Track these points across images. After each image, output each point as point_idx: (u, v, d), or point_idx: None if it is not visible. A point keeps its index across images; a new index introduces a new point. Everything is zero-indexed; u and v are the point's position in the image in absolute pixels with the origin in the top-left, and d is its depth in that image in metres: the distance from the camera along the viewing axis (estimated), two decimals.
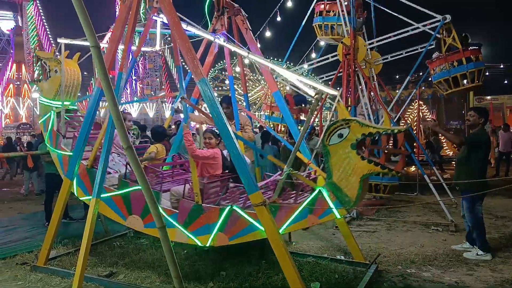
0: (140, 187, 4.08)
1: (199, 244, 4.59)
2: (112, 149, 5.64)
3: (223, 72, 37.37)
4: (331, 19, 9.36)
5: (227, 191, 4.87)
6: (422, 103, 17.47)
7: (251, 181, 3.89)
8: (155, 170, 5.28)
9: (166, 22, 5.74)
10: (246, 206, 4.45)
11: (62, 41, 5.92)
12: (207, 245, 4.53)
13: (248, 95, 8.78)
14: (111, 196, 5.12)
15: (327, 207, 3.94)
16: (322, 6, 9.59)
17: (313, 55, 11.60)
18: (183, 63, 4.95)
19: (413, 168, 14.87)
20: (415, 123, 18.21)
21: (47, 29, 50.03)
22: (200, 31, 4.94)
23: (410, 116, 22.38)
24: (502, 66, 36.66)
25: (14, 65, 47.27)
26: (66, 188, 5.30)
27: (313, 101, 4.00)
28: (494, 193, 9.40)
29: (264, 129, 8.64)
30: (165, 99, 52.69)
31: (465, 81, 8.06)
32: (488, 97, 27.22)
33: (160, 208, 4.44)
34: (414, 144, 11.80)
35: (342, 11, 8.91)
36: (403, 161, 3.95)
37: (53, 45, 50.44)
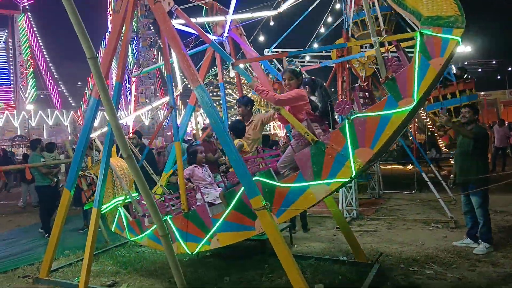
0: (259, 179, 3.98)
1: (345, 180, 3.74)
2: (199, 185, 5.10)
3: (217, 78, 37.39)
4: (362, 14, 9.26)
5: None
6: None
7: (252, 185, 3.89)
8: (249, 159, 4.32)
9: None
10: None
11: (95, 135, 5.86)
12: (354, 174, 3.68)
13: None
14: (225, 218, 4.29)
15: (441, 40, 3.40)
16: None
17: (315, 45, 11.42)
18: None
19: (410, 166, 14.93)
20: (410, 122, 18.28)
21: (39, 40, 49.97)
22: (205, 36, 4.92)
23: None
24: (494, 62, 36.97)
25: None
26: (66, 200, 5.29)
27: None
28: (493, 188, 9.44)
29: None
30: (160, 107, 52.65)
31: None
32: (482, 93, 27.40)
33: (280, 183, 3.95)
34: (412, 144, 11.87)
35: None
36: None
37: (47, 58, 50.35)
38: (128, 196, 5.49)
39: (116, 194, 5.68)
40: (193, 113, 6.73)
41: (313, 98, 4.43)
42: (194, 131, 11.34)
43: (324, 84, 4.50)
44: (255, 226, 4.08)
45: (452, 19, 3.38)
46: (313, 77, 4.59)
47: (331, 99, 4.30)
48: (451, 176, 6.63)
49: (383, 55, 3.68)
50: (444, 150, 18.05)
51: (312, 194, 3.79)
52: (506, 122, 18.29)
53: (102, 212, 5.64)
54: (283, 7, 5.49)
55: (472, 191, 5.82)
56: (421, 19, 3.51)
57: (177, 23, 5.09)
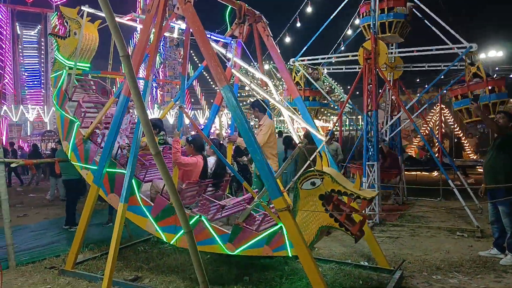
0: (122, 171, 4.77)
1: (165, 239, 5.18)
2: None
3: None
4: (380, 17, 9.16)
5: (202, 199, 5.23)
6: (444, 106, 17.18)
7: (275, 186, 3.91)
8: (141, 160, 5.56)
9: (183, 28, 5.89)
10: (213, 219, 4.90)
11: (86, 9, 6.20)
12: (171, 243, 5.11)
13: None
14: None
15: (283, 243, 4.27)
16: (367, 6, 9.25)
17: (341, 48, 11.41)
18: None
19: (435, 173, 14.63)
20: (437, 126, 17.92)
21: None
22: (214, 36, 5.04)
23: (432, 119, 22.02)
24: None
25: None
26: (93, 194, 5.43)
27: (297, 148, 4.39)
28: None
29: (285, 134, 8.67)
30: (184, 105, 53.28)
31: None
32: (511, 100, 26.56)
33: (138, 196, 5.23)
34: (437, 148, 11.63)
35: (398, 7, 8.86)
36: (362, 223, 4.17)
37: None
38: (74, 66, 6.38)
39: (72, 57, 6.54)
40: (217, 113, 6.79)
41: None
42: (218, 131, 11.44)
43: (222, 145, 5.76)
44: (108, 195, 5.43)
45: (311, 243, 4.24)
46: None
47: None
48: (482, 185, 6.45)
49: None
50: (471, 157, 17.63)
51: (145, 222, 5.31)
52: None
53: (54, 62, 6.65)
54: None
55: (499, 200, 5.66)
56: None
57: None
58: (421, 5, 8.86)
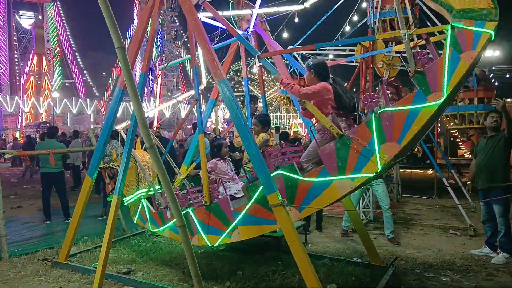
0: (274, 174, 3.98)
1: (370, 175, 3.64)
2: (218, 180, 5.07)
3: (239, 74, 37.59)
4: (388, 13, 9.01)
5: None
6: None
7: (270, 182, 3.90)
8: (273, 152, 4.43)
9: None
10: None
11: (120, 127, 6.15)
12: (379, 169, 3.60)
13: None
14: (247, 211, 4.26)
15: (473, 33, 3.33)
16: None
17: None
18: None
19: (430, 171, 14.70)
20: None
21: (67, 30, 50.98)
22: (232, 29, 4.91)
23: None
24: None
25: (35, 57, 47.64)
26: (87, 186, 5.41)
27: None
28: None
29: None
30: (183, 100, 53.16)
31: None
32: (508, 100, 26.64)
33: (303, 177, 3.92)
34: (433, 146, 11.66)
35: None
36: None
37: (73, 47, 51.28)
38: (151, 188, 5.54)
39: (140, 186, 5.74)
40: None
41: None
42: (214, 126, 11.38)
43: (342, 82, 4.47)
44: (277, 220, 3.95)
45: (485, 11, 3.27)
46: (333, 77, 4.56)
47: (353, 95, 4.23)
48: (468, 183, 6.51)
49: (412, 49, 3.58)
50: (466, 156, 17.70)
51: (335, 189, 3.73)
52: None
53: (125, 204, 5.76)
54: (310, 1, 5.50)
55: (494, 198, 5.69)
56: (452, 12, 3.42)
57: (204, 16, 5.13)
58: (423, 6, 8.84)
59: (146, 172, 5.53)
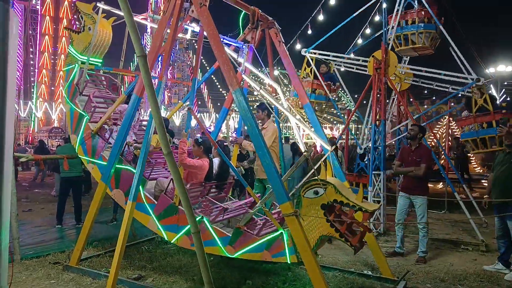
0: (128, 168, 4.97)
1: (166, 238, 5.21)
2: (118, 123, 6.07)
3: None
4: (411, 28, 9.12)
5: (205, 201, 5.23)
6: (451, 119, 17.14)
7: (282, 191, 3.93)
8: (148, 159, 5.61)
9: (197, 31, 5.94)
10: (215, 221, 4.92)
11: (101, 5, 6.30)
12: (172, 241, 5.12)
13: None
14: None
15: (282, 250, 4.29)
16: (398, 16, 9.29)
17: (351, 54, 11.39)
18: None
19: (440, 185, 14.57)
20: (443, 139, 17.86)
21: None
22: (227, 40, 5.07)
23: (439, 131, 21.96)
24: None
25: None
26: (100, 191, 5.46)
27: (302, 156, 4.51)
28: None
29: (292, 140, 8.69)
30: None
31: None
32: None
33: (143, 193, 5.22)
34: (443, 160, 11.59)
35: (428, 18, 8.87)
36: (362, 235, 4.16)
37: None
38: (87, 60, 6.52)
39: (85, 52, 6.57)
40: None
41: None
42: (222, 134, 11.40)
43: (226, 147, 5.67)
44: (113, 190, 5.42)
45: (314, 247, 4.20)
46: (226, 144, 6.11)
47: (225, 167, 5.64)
48: (485, 196, 6.44)
49: None
50: (477, 171, 17.55)
51: (147, 220, 5.30)
52: None
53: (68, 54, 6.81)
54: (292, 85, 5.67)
55: (508, 214, 5.62)
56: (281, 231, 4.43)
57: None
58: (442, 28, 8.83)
59: (91, 49, 6.48)
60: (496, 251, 6.49)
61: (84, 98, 6.52)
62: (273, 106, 6.27)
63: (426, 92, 32.37)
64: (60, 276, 5.44)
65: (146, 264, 5.95)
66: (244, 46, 5.78)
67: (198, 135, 10.49)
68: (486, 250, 6.98)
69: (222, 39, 4.83)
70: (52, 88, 48.06)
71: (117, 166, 5.50)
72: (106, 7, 6.29)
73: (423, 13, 9.12)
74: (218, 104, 52.05)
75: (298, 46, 10.32)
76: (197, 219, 4.78)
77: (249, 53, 5.86)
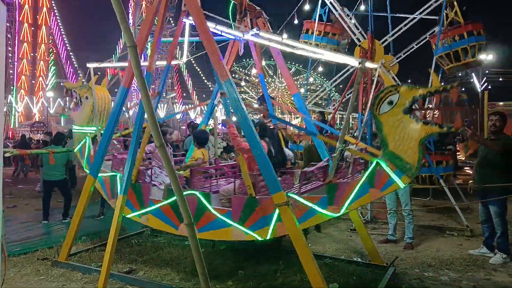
0: (191, 192, 4.63)
1: (259, 238, 4.33)
2: (153, 163, 5.66)
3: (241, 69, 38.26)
4: (460, 43, 8.65)
5: (284, 176, 4.65)
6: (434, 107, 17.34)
7: (275, 181, 3.94)
8: (202, 172, 5.22)
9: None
10: (301, 192, 4.30)
11: (91, 65, 5.98)
12: (268, 237, 4.27)
13: None
14: (159, 207, 4.95)
15: (388, 178, 3.71)
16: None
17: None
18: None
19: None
20: None
21: (62, 30, 50.63)
22: (231, 30, 4.92)
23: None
24: None
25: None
26: (89, 185, 5.40)
27: (358, 72, 4.14)
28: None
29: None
30: (175, 100, 53.03)
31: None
32: (501, 103, 26.96)
33: (211, 208, 4.57)
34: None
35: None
36: (460, 118, 3.83)
37: (68, 47, 50.87)
38: (96, 130, 6.02)
39: (90, 123, 6.25)
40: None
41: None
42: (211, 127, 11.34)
43: (274, 131, 5.26)
44: (179, 228, 4.76)
45: (408, 166, 3.61)
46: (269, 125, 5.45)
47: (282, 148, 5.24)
48: (470, 182, 6.58)
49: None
50: (460, 158, 17.87)
51: (230, 232, 4.45)
52: None
53: (73, 131, 6.57)
54: (298, 50, 5.38)
55: (491, 199, 5.76)
56: (385, 150, 3.77)
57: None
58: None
59: (96, 116, 6.04)
60: (480, 235, 6.66)
61: (108, 163, 5.89)
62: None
63: (409, 81, 32.76)
64: (50, 272, 5.38)
65: (137, 257, 5.92)
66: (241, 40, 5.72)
67: (183, 127, 10.43)
68: (471, 235, 7.15)
69: (220, 32, 4.78)
70: (33, 82, 47.06)
71: (173, 199, 4.77)
72: (95, 65, 6.01)
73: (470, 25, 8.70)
74: (204, 95, 51.75)
75: (285, 36, 10.28)
76: (287, 194, 4.15)
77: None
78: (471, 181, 6.54)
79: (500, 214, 5.80)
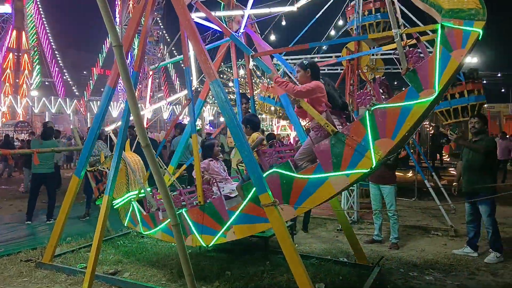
0: (269, 172, 4.00)
1: (365, 171, 3.66)
2: (212, 180, 5.05)
3: (221, 75, 37.79)
4: (368, 19, 9.25)
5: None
6: None
7: (261, 181, 3.94)
8: (268, 151, 4.45)
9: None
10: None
11: (110, 129, 5.93)
12: (374, 165, 3.62)
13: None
14: (242, 210, 4.24)
15: (462, 32, 3.39)
16: None
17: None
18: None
19: (410, 174, 15.00)
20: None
21: (47, 28, 49.91)
22: (225, 29, 4.90)
23: None
24: (499, 75, 37.02)
25: (14, 32, 44.54)
26: (74, 186, 5.33)
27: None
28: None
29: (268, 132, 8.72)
30: (164, 99, 52.70)
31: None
32: (485, 105, 27.43)
33: (297, 175, 3.91)
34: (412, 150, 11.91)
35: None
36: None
37: (53, 45, 50.08)
38: (142, 190, 5.43)
39: (130, 188, 5.63)
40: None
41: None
42: (199, 127, 11.30)
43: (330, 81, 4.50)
44: (269, 220, 3.98)
45: (474, 11, 3.37)
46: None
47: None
48: (454, 183, 6.69)
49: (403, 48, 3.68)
50: (445, 159, 18.15)
51: (331, 185, 3.76)
52: (508, 135, 18.44)
53: (115, 207, 5.69)
54: (301, 3, 5.63)
55: (479, 199, 5.82)
56: (442, 12, 3.50)
57: (196, 16, 5.14)
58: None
59: (136, 174, 5.44)
60: (464, 236, 6.77)
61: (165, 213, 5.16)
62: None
63: (396, 83, 33.07)
64: (33, 274, 5.29)
65: (123, 258, 5.87)
66: (240, 35, 5.73)
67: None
68: (455, 235, 7.26)
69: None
70: (17, 80, 46.31)
71: (252, 191, 4.14)
72: (113, 127, 5.98)
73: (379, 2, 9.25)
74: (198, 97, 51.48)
75: (272, 37, 10.32)
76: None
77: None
78: (455, 183, 6.66)
79: (490, 213, 5.89)
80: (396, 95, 3.70)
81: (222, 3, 5.33)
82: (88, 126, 22.49)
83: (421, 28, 4.03)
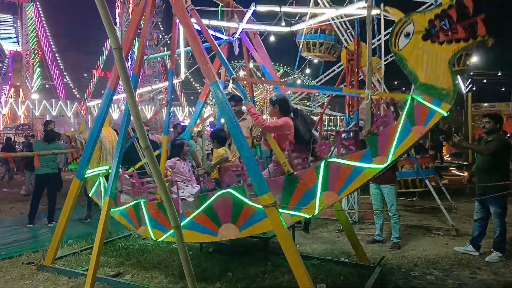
0: (224, 191, 4.32)
1: (307, 216, 4.06)
2: (177, 179, 5.29)
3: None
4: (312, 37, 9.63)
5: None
6: None
7: (262, 182, 3.95)
8: (230, 169, 4.87)
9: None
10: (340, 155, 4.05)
11: (92, 103, 6.01)
12: (316, 212, 3.93)
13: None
14: (193, 218, 4.50)
15: (428, 110, 3.43)
16: None
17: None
18: None
19: None
20: None
21: (47, 31, 49.99)
22: (213, 44, 4.92)
23: None
24: (499, 74, 37.02)
25: (12, 89, 46.47)
26: (75, 188, 5.35)
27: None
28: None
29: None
30: (163, 102, 52.75)
31: None
32: (485, 104, 27.44)
33: (249, 201, 4.17)
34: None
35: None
36: (483, 25, 3.34)
37: (53, 48, 50.23)
38: (109, 168, 5.67)
39: (101, 163, 5.90)
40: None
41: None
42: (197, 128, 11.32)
43: (304, 113, 4.72)
44: (218, 233, 4.38)
45: (445, 92, 3.35)
46: (296, 107, 4.83)
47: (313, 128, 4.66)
48: (467, 178, 6.66)
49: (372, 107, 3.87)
50: (446, 158, 18.14)
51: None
52: (508, 134, 18.43)
53: (85, 177, 5.86)
54: (296, 27, 5.90)
55: (491, 195, 5.70)
56: (416, 83, 3.50)
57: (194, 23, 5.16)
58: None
59: (108, 152, 5.72)
60: (466, 235, 6.78)
61: (127, 197, 5.52)
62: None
63: (395, 82, 33.13)
64: (35, 276, 5.31)
65: (124, 260, 5.88)
66: (235, 40, 5.78)
67: (171, 129, 10.41)
68: (457, 235, 7.25)
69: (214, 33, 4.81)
70: (18, 84, 46.46)
71: (206, 204, 4.44)
72: (95, 102, 6.02)
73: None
74: (192, 97, 51.59)
75: (272, 38, 10.36)
76: (322, 163, 3.90)
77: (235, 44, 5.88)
78: (468, 178, 6.63)
79: (500, 214, 5.87)
80: (354, 153, 3.88)
81: (220, 4, 5.34)
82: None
83: (392, 95, 4.23)
